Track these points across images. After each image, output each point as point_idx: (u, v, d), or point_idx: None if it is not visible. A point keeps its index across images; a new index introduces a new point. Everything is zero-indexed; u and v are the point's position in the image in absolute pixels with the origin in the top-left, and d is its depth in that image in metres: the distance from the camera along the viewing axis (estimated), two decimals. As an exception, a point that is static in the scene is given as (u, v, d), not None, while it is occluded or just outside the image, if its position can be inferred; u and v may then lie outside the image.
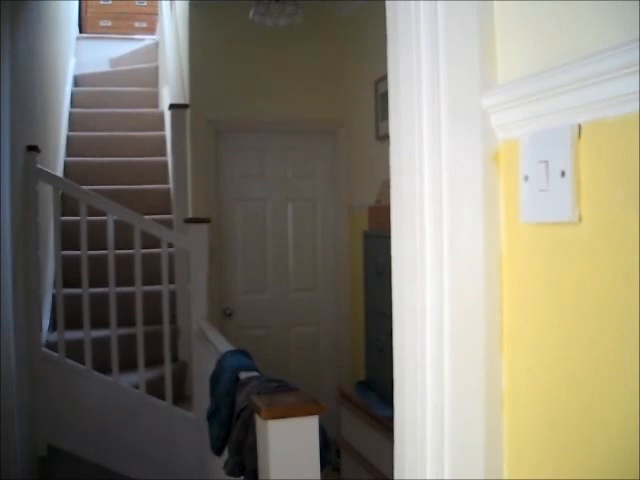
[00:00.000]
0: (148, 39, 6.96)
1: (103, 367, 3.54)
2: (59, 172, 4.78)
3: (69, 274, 3.72)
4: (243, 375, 2.26)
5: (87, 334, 3.48)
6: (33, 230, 3.46)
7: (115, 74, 6.32)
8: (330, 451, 1.95)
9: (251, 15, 3.73)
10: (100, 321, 3.56)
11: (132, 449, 3.51)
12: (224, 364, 2.44)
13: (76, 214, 3.60)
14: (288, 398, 1.77)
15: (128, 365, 3.61)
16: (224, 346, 2.74)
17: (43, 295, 3.86)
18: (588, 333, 0.67)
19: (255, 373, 2.29)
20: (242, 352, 2.56)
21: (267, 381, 2.06)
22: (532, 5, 0.74)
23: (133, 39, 7.11)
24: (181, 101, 4.44)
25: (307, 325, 4.57)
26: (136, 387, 3.59)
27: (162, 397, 3.56)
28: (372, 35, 3.97)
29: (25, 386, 3.25)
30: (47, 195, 3.75)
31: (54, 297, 3.80)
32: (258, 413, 1.78)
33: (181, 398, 3.84)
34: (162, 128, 5.49)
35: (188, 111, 4.24)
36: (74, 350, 3.52)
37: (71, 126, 5.47)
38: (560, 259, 0.71)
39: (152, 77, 6.23)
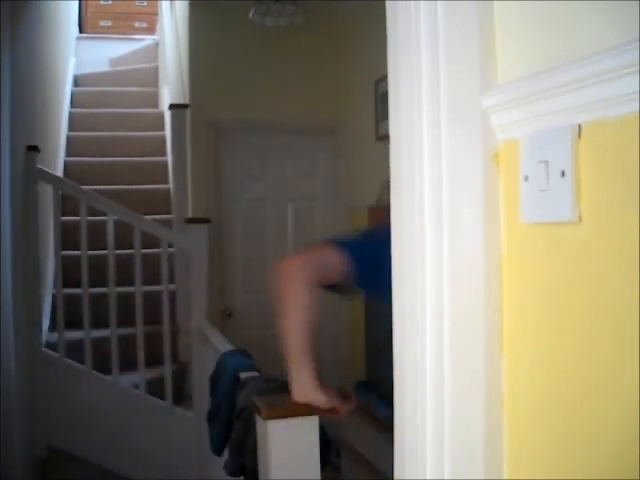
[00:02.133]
0: (148, 39, 6.96)
1: (103, 367, 3.54)
2: (59, 172, 4.78)
3: (69, 274, 3.72)
4: (243, 375, 2.26)
5: (87, 334, 3.48)
6: (33, 230, 3.46)
7: (115, 74, 6.32)
8: (330, 451, 1.95)
9: (251, 15, 3.73)
10: (100, 321, 3.56)
11: (132, 449, 3.51)
12: (224, 364, 2.44)
13: (76, 214, 3.59)
14: (288, 398, 1.77)
15: (128, 365, 3.61)
16: (224, 346, 2.74)
17: (43, 295, 3.85)
18: (588, 333, 0.67)
19: (255, 373, 2.29)
20: (242, 352, 2.56)
21: (267, 381, 2.06)
22: (532, 5, 0.74)
23: (133, 39, 7.11)
24: (181, 101, 4.44)
25: (307, 325, 4.56)
26: (136, 387, 3.59)
27: (162, 397, 3.56)
28: (372, 35, 3.97)
29: (25, 386, 3.25)
30: (47, 195, 3.75)
31: (54, 297, 3.80)
32: (258, 413, 1.78)
33: (181, 398, 3.84)
34: (162, 128, 5.49)
35: (188, 111, 4.24)
36: (74, 350, 3.52)
37: (71, 126, 5.47)
38: (560, 259, 0.71)
39: (152, 77, 6.22)
